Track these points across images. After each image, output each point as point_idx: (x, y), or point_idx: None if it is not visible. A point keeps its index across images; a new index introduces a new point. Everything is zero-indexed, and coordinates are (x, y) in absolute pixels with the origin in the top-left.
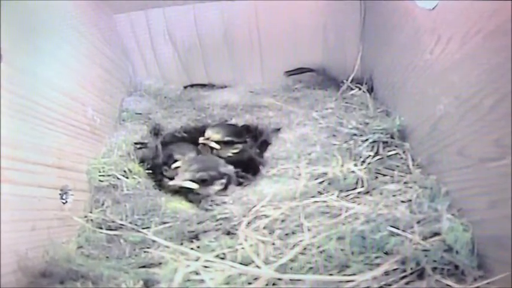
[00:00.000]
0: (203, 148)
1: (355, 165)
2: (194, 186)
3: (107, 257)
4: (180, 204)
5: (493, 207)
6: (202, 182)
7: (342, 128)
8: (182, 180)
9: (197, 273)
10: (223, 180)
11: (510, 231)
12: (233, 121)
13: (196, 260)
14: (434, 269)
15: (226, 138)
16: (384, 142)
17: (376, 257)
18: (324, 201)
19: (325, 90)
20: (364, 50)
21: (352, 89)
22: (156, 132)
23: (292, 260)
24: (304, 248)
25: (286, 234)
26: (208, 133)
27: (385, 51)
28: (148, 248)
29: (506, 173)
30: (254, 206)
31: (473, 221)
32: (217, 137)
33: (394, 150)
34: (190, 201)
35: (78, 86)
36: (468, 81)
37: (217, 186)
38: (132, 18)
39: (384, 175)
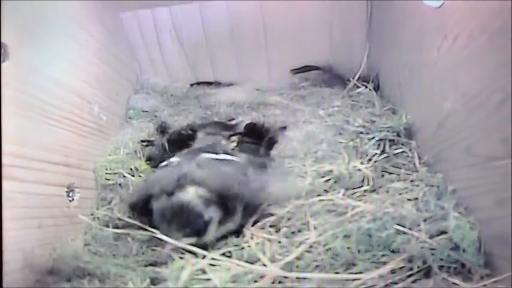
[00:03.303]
0: None
1: (362, 163)
2: (192, 241)
3: (114, 255)
4: None
5: (500, 205)
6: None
7: (348, 126)
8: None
9: (204, 272)
10: (215, 219)
11: None
12: (239, 119)
13: (203, 258)
14: (440, 267)
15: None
16: (390, 140)
17: (383, 255)
18: (330, 200)
19: (332, 88)
20: (371, 48)
21: (358, 87)
22: (162, 130)
23: (298, 258)
24: (311, 246)
25: (293, 233)
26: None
27: (391, 49)
28: (155, 246)
29: None
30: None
31: (480, 219)
32: None
33: (400, 148)
34: None
35: (85, 84)
36: (475, 79)
37: (213, 228)
38: (138, 16)
39: (390, 173)
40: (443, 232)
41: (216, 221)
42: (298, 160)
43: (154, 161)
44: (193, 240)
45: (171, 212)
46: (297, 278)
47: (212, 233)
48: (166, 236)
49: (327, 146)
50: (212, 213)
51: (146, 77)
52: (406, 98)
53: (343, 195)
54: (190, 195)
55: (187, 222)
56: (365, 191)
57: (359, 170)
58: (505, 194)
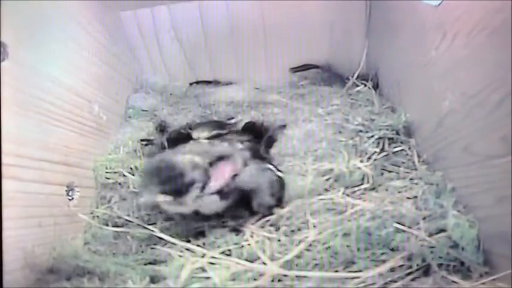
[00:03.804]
0: None
1: (361, 161)
2: (167, 198)
3: (114, 254)
4: None
5: (499, 203)
6: (176, 193)
7: (347, 125)
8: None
9: (203, 270)
10: (198, 184)
11: None
12: (239, 118)
13: (203, 257)
14: (440, 265)
15: (213, 133)
16: (389, 138)
17: (382, 254)
18: (330, 198)
19: (331, 86)
20: (370, 47)
21: (357, 86)
22: (162, 129)
23: (297, 257)
24: (310, 245)
25: (292, 231)
26: (195, 134)
27: (390, 47)
28: (155, 244)
29: (511, 170)
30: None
31: (479, 217)
32: (205, 134)
33: (399, 146)
34: None
35: (84, 83)
36: (474, 78)
37: (193, 192)
38: (138, 15)
39: (390, 171)
40: (442, 230)
41: (200, 186)
42: (298, 159)
43: None
44: (170, 198)
45: (154, 168)
46: (297, 276)
47: (192, 196)
48: (146, 190)
49: (327, 145)
50: (196, 177)
51: (145, 76)
52: (405, 96)
53: (343, 193)
54: (181, 158)
55: (168, 179)
56: (364, 189)
57: (359, 168)
58: (504, 192)
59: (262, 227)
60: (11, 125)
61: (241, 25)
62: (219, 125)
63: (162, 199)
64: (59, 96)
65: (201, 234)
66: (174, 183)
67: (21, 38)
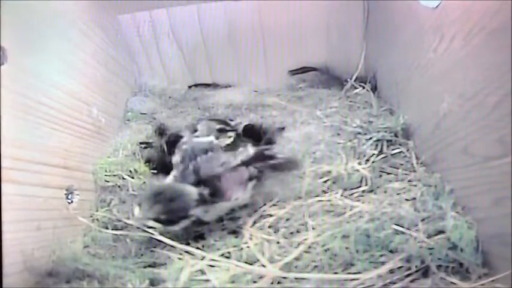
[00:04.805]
0: None
1: (360, 163)
2: (157, 226)
3: (113, 257)
4: None
5: (497, 204)
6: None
7: (346, 127)
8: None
9: (202, 272)
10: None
11: None
12: (237, 120)
13: (202, 259)
14: (438, 266)
15: (218, 127)
16: (387, 140)
17: (381, 255)
18: (329, 200)
19: (329, 89)
20: (368, 49)
21: (355, 88)
22: (161, 132)
23: (297, 259)
24: (309, 247)
25: (291, 233)
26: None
27: (388, 49)
28: (154, 247)
29: (509, 171)
30: (261, 207)
31: (478, 218)
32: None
33: (398, 148)
34: None
35: (83, 86)
36: (472, 80)
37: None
38: (136, 18)
39: (388, 173)
40: (441, 232)
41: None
42: None
43: (153, 163)
44: (159, 226)
45: (158, 193)
46: (296, 278)
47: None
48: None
49: (325, 147)
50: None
51: (144, 79)
52: (403, 98)
53: (342, 195)
54: (188, 190)
55: (166, 210)
56: (363, 191)
57: (357, 170)
58: (502, 193)
59: (261, 229)
60: (10, 128)
61: (240, 28)
62: (223, 122)
63: (152, 225)
64: (57, 99)
65: (200, 236)
66: (170, 215)
67: (21, 42)
